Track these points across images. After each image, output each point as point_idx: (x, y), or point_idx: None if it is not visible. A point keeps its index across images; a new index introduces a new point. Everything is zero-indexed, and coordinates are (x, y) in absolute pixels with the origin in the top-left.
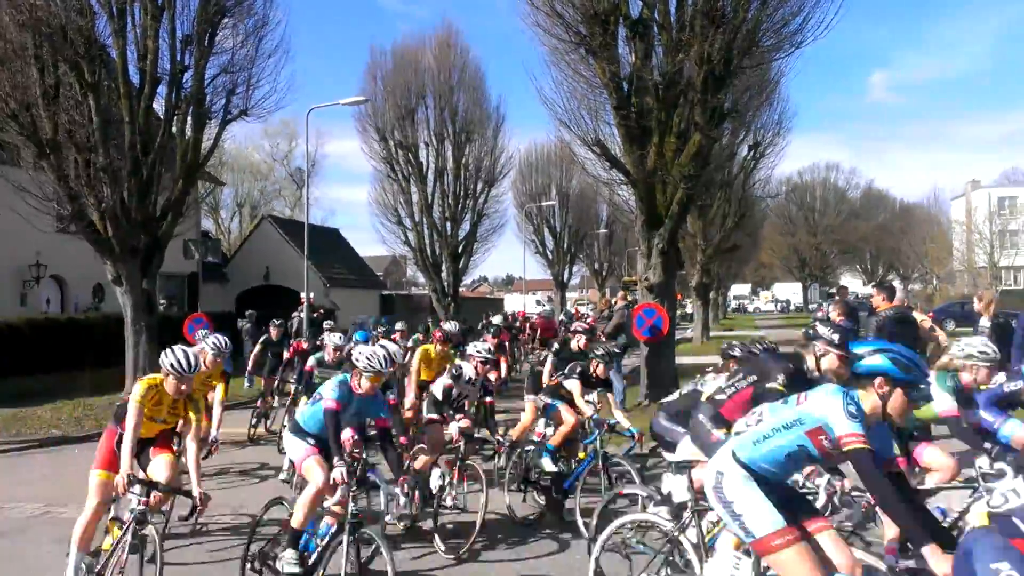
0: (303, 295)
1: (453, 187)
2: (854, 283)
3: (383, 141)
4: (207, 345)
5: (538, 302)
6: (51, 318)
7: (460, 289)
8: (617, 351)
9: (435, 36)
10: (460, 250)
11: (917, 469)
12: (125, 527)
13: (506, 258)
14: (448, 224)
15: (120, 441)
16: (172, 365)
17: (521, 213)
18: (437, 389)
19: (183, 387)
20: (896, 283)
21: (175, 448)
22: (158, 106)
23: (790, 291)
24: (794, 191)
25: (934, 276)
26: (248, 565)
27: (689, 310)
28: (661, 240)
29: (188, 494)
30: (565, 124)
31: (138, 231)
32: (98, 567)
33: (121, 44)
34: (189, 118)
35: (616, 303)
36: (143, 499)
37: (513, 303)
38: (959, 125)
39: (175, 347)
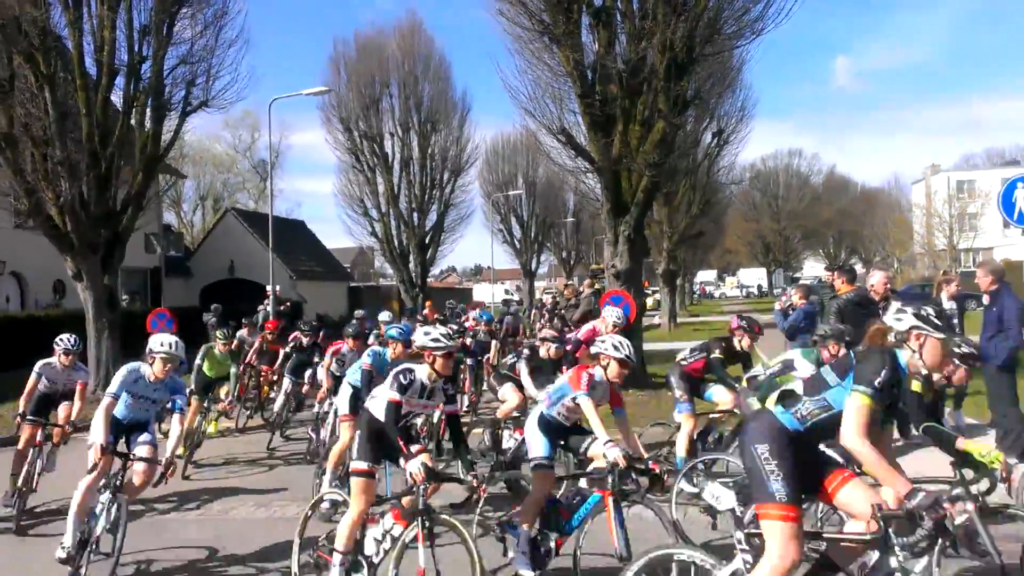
0: (269, 288)
1: (419, 177)
2: (817, 267)
3: (348, 132)
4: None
5: (507, 291)
6: (11, 316)
7: (428, 279)
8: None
9: (399, 25)
10: (427, 240)
11: None
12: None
13: (474, 248)
14: (415, 214)
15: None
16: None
17: (488, 202)
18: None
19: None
20: (858, 267)
21: None
22: (116, 98)
23: (755, 276)
24: (757, 177)
25: (895, 259)
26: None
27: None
28: (627, 227)
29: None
30: (530, 113)
31: (98, 226)
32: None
33: (77, 35)
34: (148, 110)
35: (583, 291)
36: None
37: (482, 293)
38: (919, 111)
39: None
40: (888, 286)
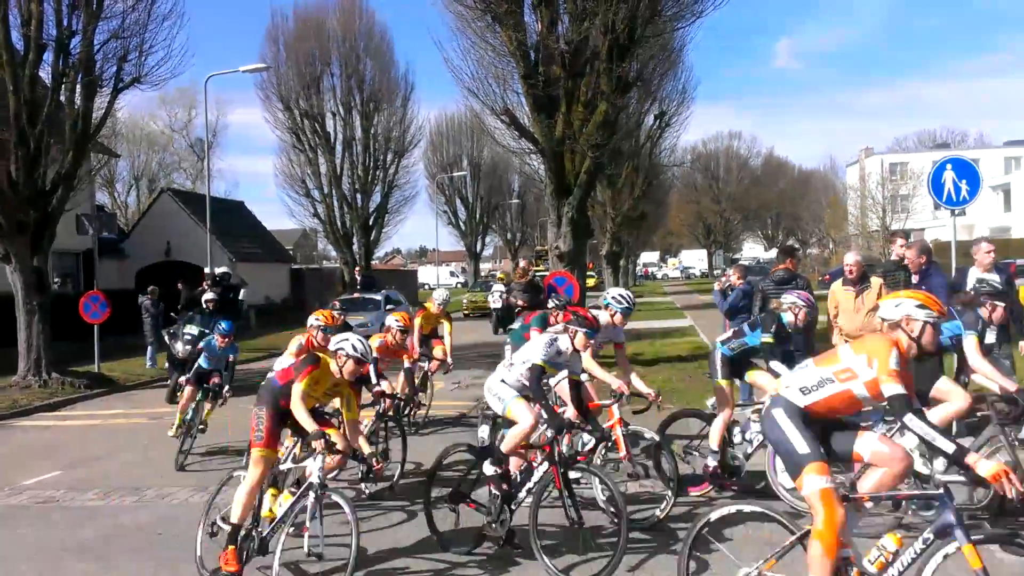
0: (207, 270)
1: (362, 158)
2: (756, 248)
3: (288, 110)
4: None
5: (452, 273)
6: None
7: (372, 262)
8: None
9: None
10: (371, 222)
11: None
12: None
13: (419, 229)
14: (358, 196)
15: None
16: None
17: (433, 184)
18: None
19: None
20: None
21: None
22: (45, 74)
23: (696, 258)
24: (699, 159)
25: (830, 240)
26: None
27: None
28: (570, 208)
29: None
30: (473, 93)
31: (26, 206)
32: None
33: (2, 8)
34: (78, 86)
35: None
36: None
37: (427, 275)
38: (855, 93)
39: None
40: (852, 268)
